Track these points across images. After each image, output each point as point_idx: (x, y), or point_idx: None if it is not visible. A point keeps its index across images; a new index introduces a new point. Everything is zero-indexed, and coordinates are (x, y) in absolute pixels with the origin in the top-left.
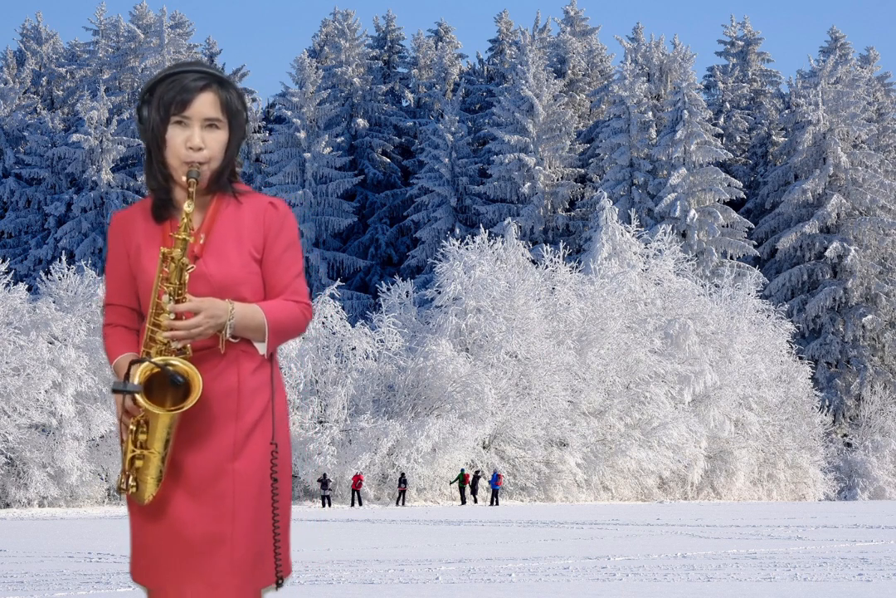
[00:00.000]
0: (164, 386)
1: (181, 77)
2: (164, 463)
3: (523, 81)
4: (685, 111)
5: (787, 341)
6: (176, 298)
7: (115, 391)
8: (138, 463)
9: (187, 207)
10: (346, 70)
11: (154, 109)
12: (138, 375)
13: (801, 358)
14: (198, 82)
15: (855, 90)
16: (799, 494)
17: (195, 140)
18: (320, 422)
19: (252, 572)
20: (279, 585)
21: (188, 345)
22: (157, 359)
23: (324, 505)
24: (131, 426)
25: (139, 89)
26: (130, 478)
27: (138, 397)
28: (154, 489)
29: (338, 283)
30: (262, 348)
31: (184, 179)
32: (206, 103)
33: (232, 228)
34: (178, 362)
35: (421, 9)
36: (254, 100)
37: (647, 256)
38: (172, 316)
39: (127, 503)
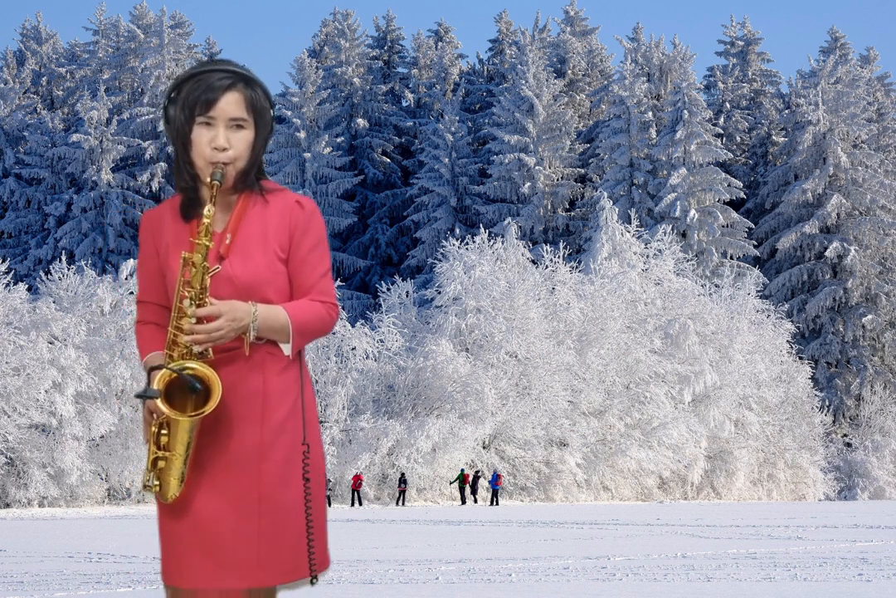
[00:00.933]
0: (185, 391)
1: (206, 76)
2: (186, 464)
3: (523, 81)
4: (685, 111)
5: (787, 341)
6: (197, 302)
7: (137, 397)
8: (161, 464)
9: (207, 211)
10: (346, 70)
11: (179, 108)
12: (158, 380)
13: (801, 358)
14: (223, 81)
15: (855, 90)
16: (799, 494)
17: (220, 140)
18: (320, 422)
19: (280, 567)
20: (314, 581)
21: (210, 348)
22: (175, 365)
23: None
24: (153, 428)
25: (139, 89)
26: (154, 477)
27: (158, 402)
28: (177, 489)
29: (338, 283)
30: (286, 349)
31: (208, 180)
32: (231, 103)
33: (258, 228)
34: (197, 366)
35: (421, 9)
36: None
37: (647, 256)
38: (194, 320)
39: (157, 506)
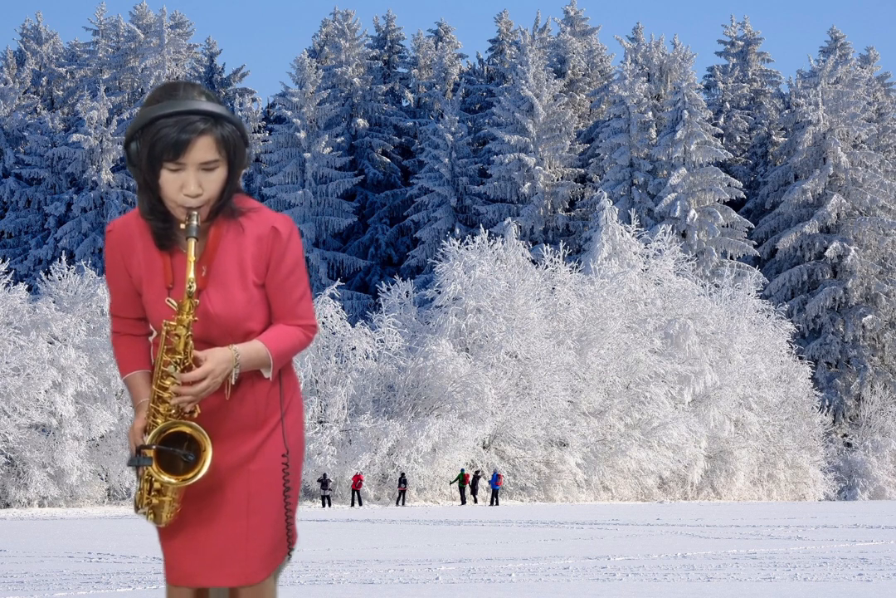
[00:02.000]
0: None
1: (173, 121)
2: (178, 500)
3: (523, 81)
4: (685, 111)
5: (787, 341)
6: (182, 367)
7: (129, 465)
8: (155, 501)
9: (189, 286)
10: (346, 70)
11: (146, 153)
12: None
13: (801, 358)
14: (194, 126)
15: (855, 90)
16: (799, 494)
17: (191, 188)
18: (320, 422)
19: (270, 558)
20: (289, 556)
21: (197, 406)
22: (165, 425)
23: (324, 505)
24: (146, 476)
25: (139, 89)
26: (148, 508)
27: (151, 470)
28: (170, 517)
29: (338, 283)
30: (267, 373)
31: (182, 226)
32: (200, 149)
33: (234, 258)
34: (188, 429)
35: (421, 9)
36: (254, 100)
37: (647, 256)
38: (179, 382)
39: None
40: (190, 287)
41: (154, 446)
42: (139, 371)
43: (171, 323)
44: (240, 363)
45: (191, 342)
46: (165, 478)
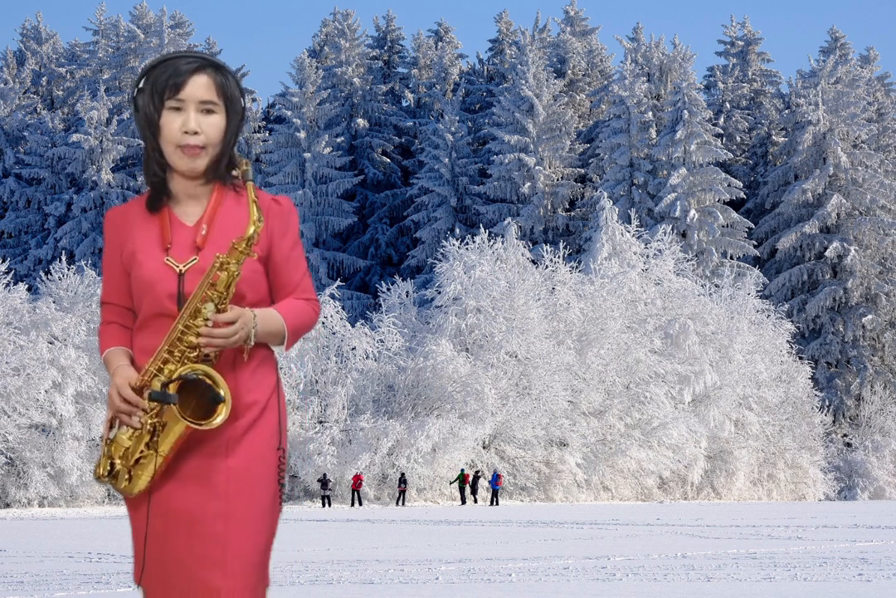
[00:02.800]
0: (190, 395)
1: (174, 62)
2: (165, 462)
3: (523, 81)
4: (685, 111)
5: (787, 341)
6: (220, 306)
7: (152, 400)
8: (142, 461)
9: (257, 224)
10: (346, 70)
11: (148, 95)
12: (173, 385)
13: (801, 358)
14: (191, 65)
15: (855, 90)
16: (799, 494)
17: (190, 124)
18: (320, 422)
19: (255, 569)
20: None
21: (218, 353)
22: (197, 372)
23: (324, 505)
24: (148, 428)
25: None
26: (125, 472)
27: (174, 408)
28: (146, 484)
29: (338, 283)
30: (280, 350)
31: (179, 163)
32: (200, 86)
33: (234, 223)
34: (210, 380)
35: (421, 9)
36: (254, 100)
37: (647, 256)
38: (210, 323)
39: (127, 510)
40: (259, 221)
41: (193, 375)
42: (121, 347)
43: (223, 256)
44: (257, 324)
45: (234, 287)
46: (190, 421)
